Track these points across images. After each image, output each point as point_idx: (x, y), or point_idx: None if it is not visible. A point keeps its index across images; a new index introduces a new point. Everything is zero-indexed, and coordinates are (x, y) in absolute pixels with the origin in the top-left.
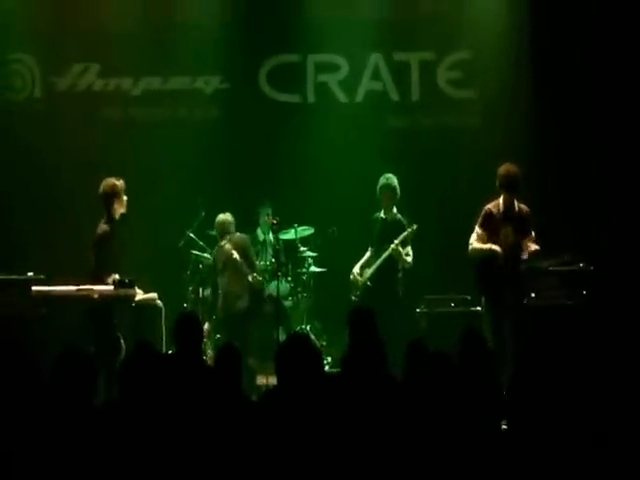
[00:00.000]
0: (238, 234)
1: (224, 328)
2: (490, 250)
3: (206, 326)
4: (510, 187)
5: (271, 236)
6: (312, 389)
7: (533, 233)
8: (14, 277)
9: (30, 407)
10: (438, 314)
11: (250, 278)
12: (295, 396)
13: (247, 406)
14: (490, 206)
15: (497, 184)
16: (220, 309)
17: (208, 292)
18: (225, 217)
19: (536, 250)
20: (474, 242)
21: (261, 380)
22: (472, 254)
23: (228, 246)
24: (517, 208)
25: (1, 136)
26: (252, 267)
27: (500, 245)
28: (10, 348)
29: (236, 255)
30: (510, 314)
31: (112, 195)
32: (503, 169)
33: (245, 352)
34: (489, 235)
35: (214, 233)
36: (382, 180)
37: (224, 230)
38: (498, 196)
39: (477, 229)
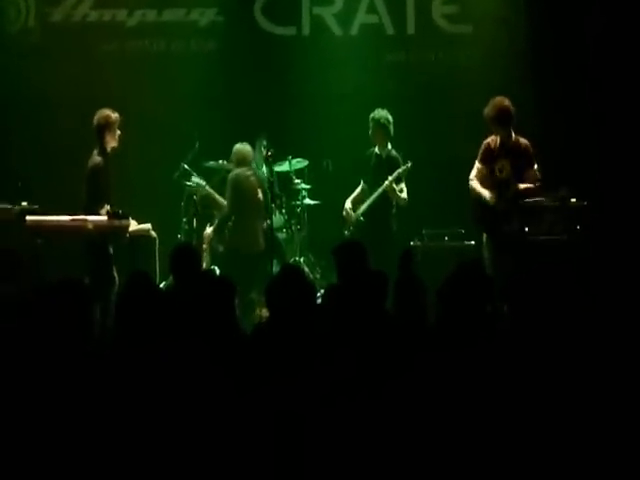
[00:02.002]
0: (258, 171)
1: (233, 264)
2: (484, 199)
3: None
4: (502, 121)
5: (265, 168)
6: (304, 321)
7: (536, 166)
8: (8, 207)
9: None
10: (432, 248)
11: (267, 221)
12: (287, 328)
13: (240, 339)
14: (489, 140)
15: (490, 120)
16: (237, 245)
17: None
18: (245, 147)
19: (528, 188)
20: (474, 178)
21: (257, 313)
22: (471, 191)
23: (254, 179)
24: (515, 142)
25: None
26: (267, 209)
27: (495, 179)
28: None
29: (260, 195)
30: (507, 249)
31: (104, 127)
32: (493, 104)
33: (251, 288)
34: (488, 170)
35: (211, 164)
36: (375, 116)
37: (245, 160)
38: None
39: (477, 164)
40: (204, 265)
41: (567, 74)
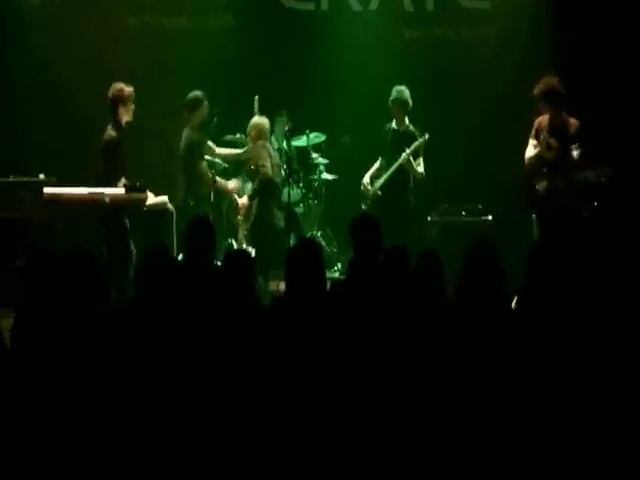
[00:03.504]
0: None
1: (258, 237)
2: (537, 157)
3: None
4: (550, 100)
5: (284, 143)
6: (318, 294)
7: (582, 146)
8: (26, 179)
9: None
10: (449, 223)
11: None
12: (302, 301)
13: (257, 312)
14: (540, 118)
15: (538, 99)
16: (264, 216)
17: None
18: (264, 120)
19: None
20: (527, 153)
21: (273, 286)
22: (527, 165)
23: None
24: (565, 120)
25: (16, 41)
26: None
27: (543, 158)
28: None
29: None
30: (552, 225)
31: (118, 100)
32: (542, 83)
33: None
34: (539, 147)
35: (228, 138)
36: (393, 93)
37: (261, 134)
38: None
39: (530, 140)
40: (240, 237)
41: (587, 50)
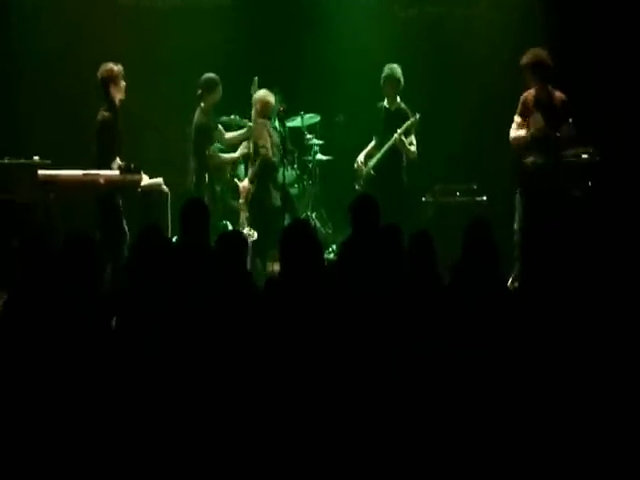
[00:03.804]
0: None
1: (257, 218)
2: (523, 138)
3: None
4: (537, 72)
5: (277, 123)
6: (313, 275)
7: (570, 120)
8: (21, 161)
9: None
10: (444, 203)
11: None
12: (296, 282)
13: (251, 292)
14: (526, 93)
15: (525, 70)
16: (264, 201)
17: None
18: (271, 97)
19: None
20: (512, 131)
21: (270, 266)
22: (512, 143)
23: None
24: (550, 95)
25: (10, 19)
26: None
27: (529, 133)
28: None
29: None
30: (539, 207)
31: (108, 80)
32: (530, 54)
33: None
34: (526, 123)
35: (223, 119)
36: (385, 70)
37: (267, 109)
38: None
39: (516, 117)
40: (242, 221)
41: (581, 28)
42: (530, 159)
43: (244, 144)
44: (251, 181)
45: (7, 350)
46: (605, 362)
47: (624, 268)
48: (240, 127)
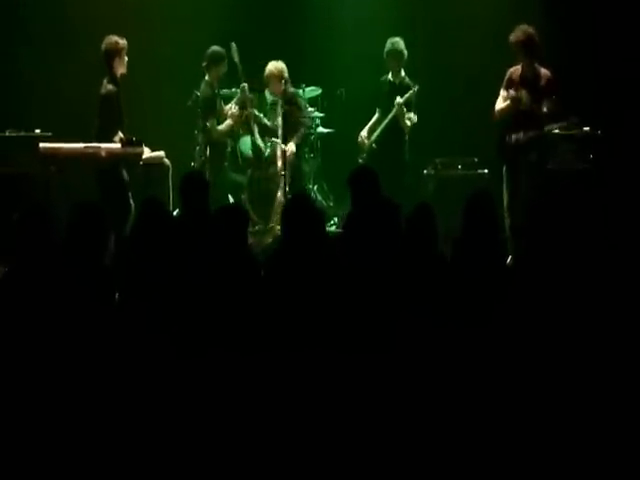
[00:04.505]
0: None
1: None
2: (507, 106)
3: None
4: (526, 47)
5: (269, 95)
6: (314, 247)
7: (554, 97)
8: (22, 134)
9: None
10: (445, 177)
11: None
12: (297, 255)
13: (250, 266)
14: (512, 69)
15: (513, 45)
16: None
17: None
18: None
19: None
20: (497, 104)
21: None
22: (496, 116)
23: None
24: (536, 72)
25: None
26: None
27: (514, 108)
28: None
29: None
30: (526, 179)
31: (113, 53)
32: (518, 30)
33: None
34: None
35: (224, 92)
36: (388, 44)
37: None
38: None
39: (501, 92)
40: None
41: (584, 28)
42: (514, 136)
43: (231, 112)
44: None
45: (8, 322)
46: (604, 341)
47: (625, 245)
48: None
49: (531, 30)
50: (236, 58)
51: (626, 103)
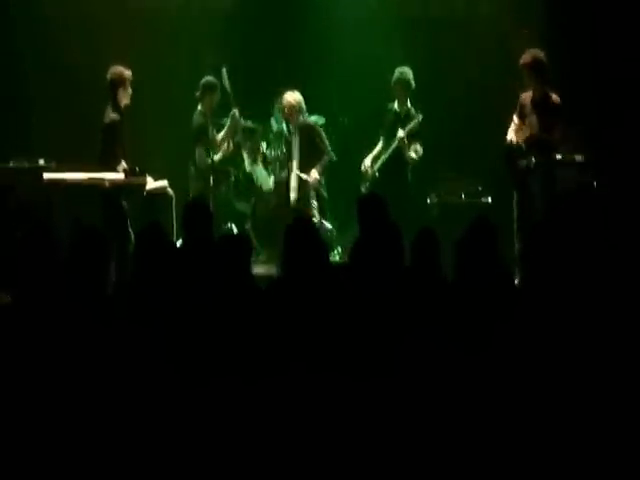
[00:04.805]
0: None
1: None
2: (519, 134)
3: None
4: (535, 70)
5: (284, 125)
6: (315, 277)
7: (561, 123)
8: (26, 164)
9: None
10: (449, 204)
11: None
12: (298, 284)
13: (253, 294)
14: (524, 95)
15: (523, 68)
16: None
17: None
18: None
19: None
20: (509, 132)
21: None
22: (508, 143)
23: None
24: (546, 96)
25: (8, 22)
26: None
27: (525, 134)
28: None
29: None
30: (535, 203)
31: (118, 83)
32: (528, 53)
33: None
34: (523, 124)
35: (224, 122)
36: (396, 74)
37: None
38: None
39: (514, 118)
40: (314, 212)
41: (583, 34)
42: (523, 162)
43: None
44: (321, 175)
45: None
46: (610, 361)
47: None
48: (244, 129)
49: (541, 54)
50: (226, 83)
51: (632, 131)
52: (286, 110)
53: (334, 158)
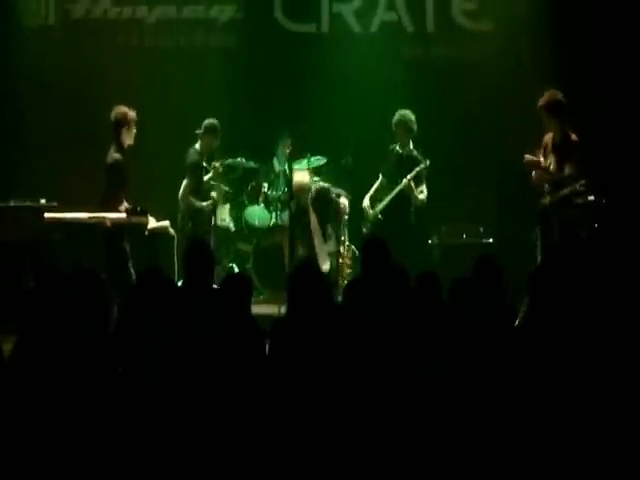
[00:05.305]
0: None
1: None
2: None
3: None
4: (553, 111)
5: (286, 165)
6: (319, 316)
7: (575, 160)
8: (27, 204)
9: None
10: (451, 245)
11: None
12: (302, 323)
13: (254, 335)
14: (547, 136)
15: (541, 110)
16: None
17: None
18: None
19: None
20: (534, 172)
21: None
22: (534, 183)
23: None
24: (564, 137)
25: (14, 62)
26: None
27: (546, 175)
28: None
29: None
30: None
31: (122, 123)
32: (546, 95)
33: None
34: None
35: (229, 162)
36: (397, 116)
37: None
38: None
39: (541, 158)
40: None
41: (588, 74)
42: (542, 200)
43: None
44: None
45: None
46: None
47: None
48: (246, 169)
49: (558, 95)
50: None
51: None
52: (293, 188)
53: (347, 212)
